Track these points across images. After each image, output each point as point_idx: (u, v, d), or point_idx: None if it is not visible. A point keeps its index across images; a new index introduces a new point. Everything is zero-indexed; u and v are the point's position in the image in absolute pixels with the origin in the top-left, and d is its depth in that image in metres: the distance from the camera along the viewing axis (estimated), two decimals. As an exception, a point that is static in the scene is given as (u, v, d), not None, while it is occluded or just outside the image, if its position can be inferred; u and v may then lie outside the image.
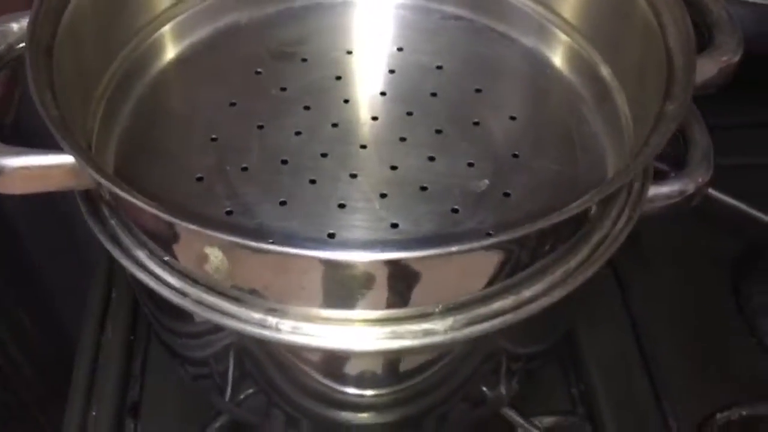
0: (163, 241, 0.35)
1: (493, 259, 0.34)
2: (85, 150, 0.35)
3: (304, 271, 0.34)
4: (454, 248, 0.32)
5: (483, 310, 0.35)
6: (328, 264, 0.33)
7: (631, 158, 0.39)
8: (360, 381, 0.41)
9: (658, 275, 0.58)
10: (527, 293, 0.36)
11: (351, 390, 0.42)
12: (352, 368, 0.40)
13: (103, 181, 0.31)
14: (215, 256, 0.33)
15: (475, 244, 0.33)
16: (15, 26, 0.40)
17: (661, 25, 0.39)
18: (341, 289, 0.34)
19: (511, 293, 0.35)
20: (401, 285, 0.34)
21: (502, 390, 0.46)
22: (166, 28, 0.49)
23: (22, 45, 0.40)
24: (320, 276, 0.34)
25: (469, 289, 0.35)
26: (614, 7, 0.44)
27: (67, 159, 0.35)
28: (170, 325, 0.43)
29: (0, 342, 0.67)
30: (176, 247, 0.35)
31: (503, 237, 0.33)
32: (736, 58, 0.39)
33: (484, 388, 0.45)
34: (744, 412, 0.49)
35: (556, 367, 0.54)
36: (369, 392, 0.42)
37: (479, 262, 0.35)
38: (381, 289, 0.34)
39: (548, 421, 0.49)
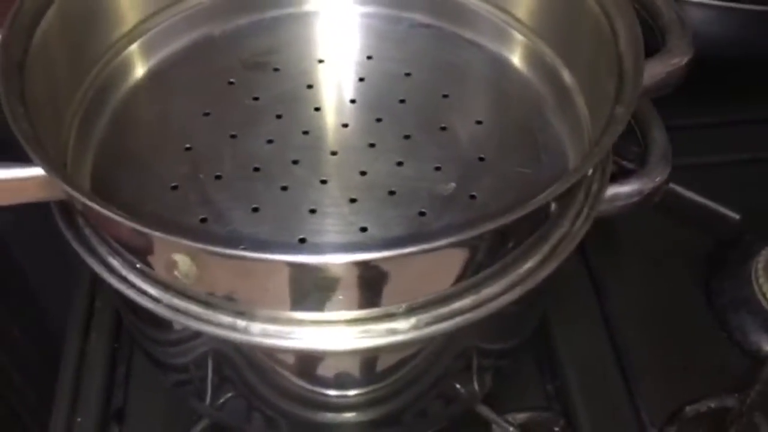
0: (135, 249, 0.36)
1: (457, 257, 0.36)
2: (54, 161, 0.36)
3: (273, 275, 0.35)
4: (415, 248, 0.33)
5: (444, 309, 0.36)
6: (296, 267, 0.34)
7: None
8: (334, 381, 0.42)
9: (630, 273, 0.59)
10: (488, 291, 0.37)
11: (326, 391, 0.43)
12: (324, 369, 0.41)
13: (72, 191, 0.33)
14: (184, 262, 0.34)
15: (438, 243, 0.33)
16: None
17: (614, 30, 0.41)
18: (309, 291, 0.35)
19: (472, 292, 0.37)
20: (366, 286, 0.35)
21: (475, 387, 0.47)
22: (139, 43, 0.50)
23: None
24: (288, 279, 0.35)
25: (433, 288, 0.36)
26: (570, 13, 0.46)
27: (39, 171, 0.36)
28: (149, 332, 0.45)
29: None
30: (148, 255, 0.36)
31: (466, 234, 0.34)
32: (686, 60, 0.41)
33: (458, 385, 0.46)
34: (712, 405, 0.50)
35: (532, 365, 0.55)
36: (345, 392, 0.43)
37: (443, 261, 0.36)
38: (348, 290, 0.35)
39: (522, 417, 0.51)
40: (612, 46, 0.40)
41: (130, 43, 0.50)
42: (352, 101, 0.50)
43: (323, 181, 0.45)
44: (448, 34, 0.53)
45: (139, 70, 0.50)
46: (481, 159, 0.46)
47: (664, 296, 0.58)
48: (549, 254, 0.38)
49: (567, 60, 0.47)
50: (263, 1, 0.53)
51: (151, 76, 0.50)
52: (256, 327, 0.36)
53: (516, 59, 0.51)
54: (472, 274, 0.36)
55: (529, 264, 0.38)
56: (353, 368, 0.41)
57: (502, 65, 0.51)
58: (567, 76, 0.47)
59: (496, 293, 0.37)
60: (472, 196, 0.45)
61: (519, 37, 0.51)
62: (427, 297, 0.36)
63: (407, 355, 0.41)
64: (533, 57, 0.50)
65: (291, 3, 0.54)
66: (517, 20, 0.50)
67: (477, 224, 0.33)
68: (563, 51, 0.47)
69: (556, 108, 0.48)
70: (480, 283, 0.37)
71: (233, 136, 0.47)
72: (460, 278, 0.36)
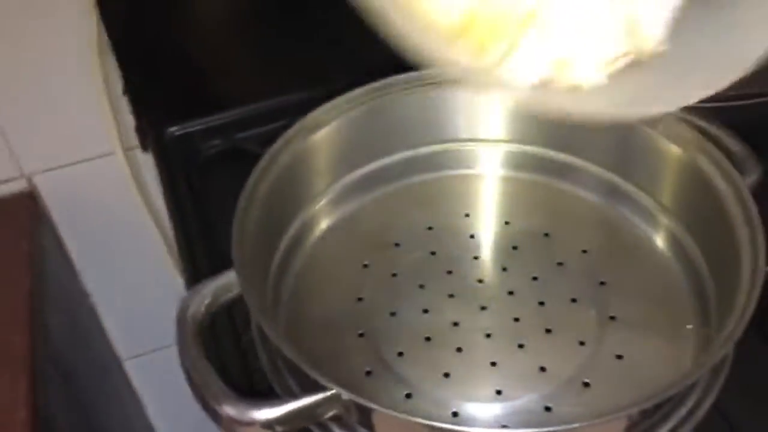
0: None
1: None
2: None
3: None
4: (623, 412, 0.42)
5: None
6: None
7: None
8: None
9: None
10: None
11: None
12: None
13: (388, 412, 0.39)
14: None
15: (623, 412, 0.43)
16: (205, 291, 0.47)
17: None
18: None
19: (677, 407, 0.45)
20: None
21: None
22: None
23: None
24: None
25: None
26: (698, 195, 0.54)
27: (314, 398, 0.42)
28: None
29: None
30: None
31: (639, 406, 0.42)
32: (757, 176, 0.51)
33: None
34: None
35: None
36: None
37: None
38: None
39: None
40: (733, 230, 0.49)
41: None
42: (475, 258, 0.58)
43: (488, 335, 0.53)
44: (537, 183, 0.62)
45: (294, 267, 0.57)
46: (602, 283, 0.55)
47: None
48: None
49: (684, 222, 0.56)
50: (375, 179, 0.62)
51: (300, 272, 0.57)
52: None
53: (620, 207, 0.60)
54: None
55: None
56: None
57: (598, 209, 0.60)
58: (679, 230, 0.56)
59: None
60: (612, 317, 0.53)
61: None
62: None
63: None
64: (639, 206, 0.59)
65: (390, 179, 0.62)
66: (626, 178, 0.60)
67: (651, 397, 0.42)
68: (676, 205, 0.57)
69: (662, 242, 0.58)
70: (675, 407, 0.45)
71: (393, 314, 0.54)
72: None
